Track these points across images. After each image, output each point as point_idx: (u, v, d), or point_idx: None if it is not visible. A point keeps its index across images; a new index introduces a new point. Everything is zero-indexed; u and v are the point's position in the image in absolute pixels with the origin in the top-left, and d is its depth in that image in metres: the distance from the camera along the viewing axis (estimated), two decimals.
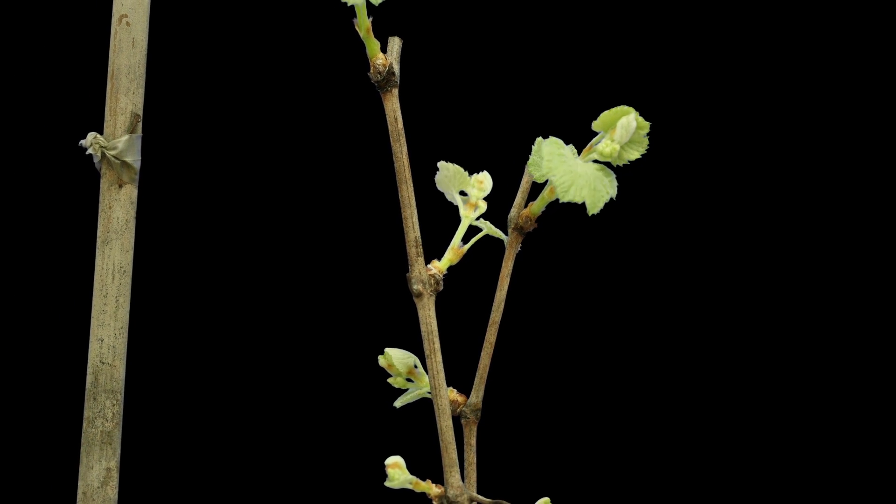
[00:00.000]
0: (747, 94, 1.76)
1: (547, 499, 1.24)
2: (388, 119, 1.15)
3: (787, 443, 1.76)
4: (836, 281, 1.77)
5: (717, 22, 1.74)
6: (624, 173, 1.72)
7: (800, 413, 1.76)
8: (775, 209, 1.77)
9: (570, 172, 1.15)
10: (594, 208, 1.16)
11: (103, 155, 1.30)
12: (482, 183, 1.25)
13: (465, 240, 1.21)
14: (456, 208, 1.21)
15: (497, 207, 1.23)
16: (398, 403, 1.24)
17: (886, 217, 1.75)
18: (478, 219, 1.23)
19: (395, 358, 1.22)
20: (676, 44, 1.72)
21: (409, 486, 1.21)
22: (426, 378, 1.21)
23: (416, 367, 1.23)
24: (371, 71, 1.14)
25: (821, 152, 1.77)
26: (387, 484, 1.21)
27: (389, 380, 1.23)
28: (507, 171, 1.21)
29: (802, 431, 1.76)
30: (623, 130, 1.19)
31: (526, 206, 1.20)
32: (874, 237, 1.76)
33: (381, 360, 1.23)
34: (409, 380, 1.22)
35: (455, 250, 1.19)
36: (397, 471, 1.20)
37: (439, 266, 1.18)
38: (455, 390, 1.21)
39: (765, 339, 1.77)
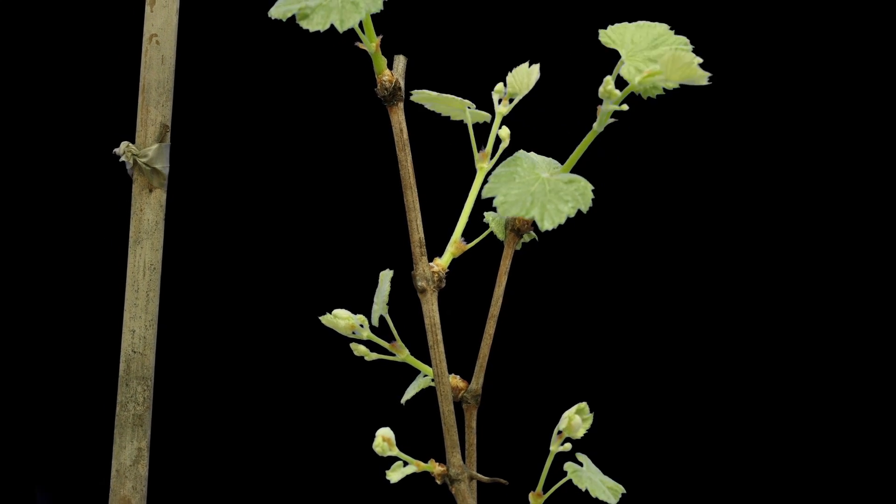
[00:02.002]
0: (747, 92, 1.75)
1: (584, 405, 1.20)
2: (393, 130, 1.14)
3: (785, 441, 1.75)
4: (835, 280, 1.76)
5: (723, 16, 1.74)
6: (621, 168, 1.73)
7: (798, 413, 1.75)
8: (775, 208, 1.76)
9: (522, 190, 1.09)
10: (547, 223, 1.08)
11: (135, 162, 1.30)
12: (507, 96, 1.18)
13: (469, 238, 1.19)
14: (455, 210, 1.20)
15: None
16: (406, 397, 1.23)
17: (886, 217, 1.75)
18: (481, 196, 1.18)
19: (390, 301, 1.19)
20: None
21: (407, 469, 1.17)
22: (405, 350, 1.19)
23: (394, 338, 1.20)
24: (378, 87, 1.14)
25: (820, 152, 1.76)
26: (388, 475, 1.19)
27: (352, 345, 1.19)
28: None
29: (801, 431, 1.75)
30: (680, 69, 1.04)
31: None
32: (874, 237, 1.75)
33: (340, 322, 1.18)
34: (373, 348, 1.19)
35: (456, 244, 1.17)
36: (385, 444, 1.17)
37: (441, 264, 1.16)
38: (458, 377, 1.21)
39: (757, 331, 1.76)
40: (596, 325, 1.72)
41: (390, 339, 1.19)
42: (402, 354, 1.20)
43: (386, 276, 1.21)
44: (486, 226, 1.20)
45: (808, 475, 1.74)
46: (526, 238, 1.22)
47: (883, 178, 1.74)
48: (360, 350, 1.20)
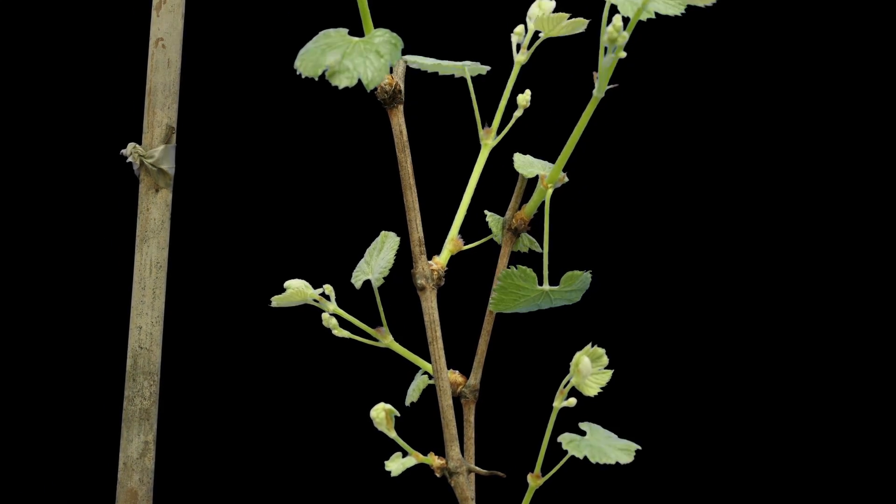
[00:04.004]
0: (748, 93, 1.75)
1: (600, 350, 1.10)
2: (393, 132, 1.14)
3: (782, 440, 1.75)
4: (834, 280, 1.76)
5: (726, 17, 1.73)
6: (617, 169, 1.72)
7: (795, 414, 1.75)
8: (774, 208, 1.75)
9: (530, 304, 1.13)
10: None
11: (142, 163, 1.30)
12: (528, 37, 1.15)
13: (468, 230, 1.18)
14: (454, 210, 1.19)
15: (492, 210, 1.23)
16: (410, 399, 1.22)
17: (886, 217, 1.74)
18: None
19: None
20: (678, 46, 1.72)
21: (406, 461, 1.15)
22: (390, 336, 1.18)
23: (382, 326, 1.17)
24: (378, 90, 1.13)
25: (821, 150, 1.75)
26: (387, 465, 1.17)
27: (324, 315, 1.16)
28: (502, 175, 1.21)
29: (799, 431, 1.75)
30: None
31: (520, 208, 1.20)
32: (874, 237, 1.74)
33: (289, 292, 1.16)
34: (341, 322, 1.17)
35: (453, 241, 1.17)
36: (383, 416, 1.12)
37: (440, 262, 1.16)
38: (457, 372, 1.21)
39: (750, 331, 1.76)
40: (593, 320, 1.72)
41: (374, 323, 1.18)
42: (386, 340, 1.18)
43: (390, 244, 1.19)
44: (484, 221, 1.20)
45: (808, 489, 1.74)
46: (525, 244, 1.21)
47: (882, 171, 1.74)
48: (330, 322, 1.17)
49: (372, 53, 1.05)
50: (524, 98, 1.18)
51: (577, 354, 1.07)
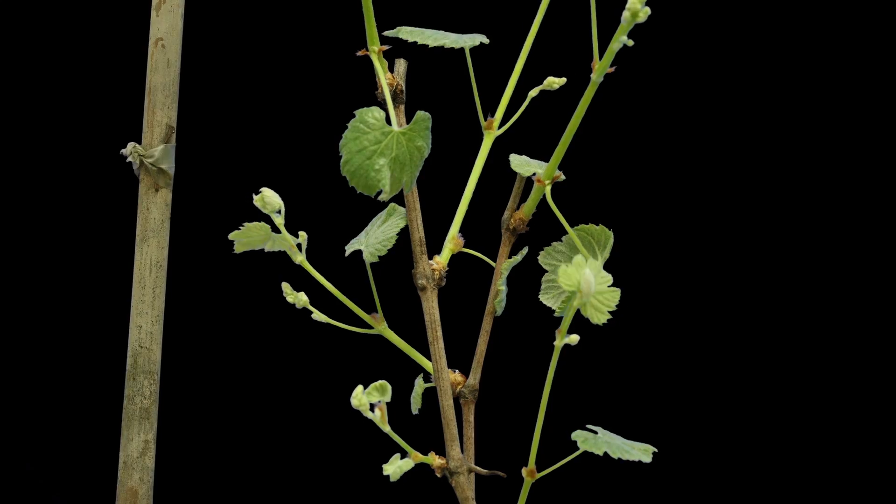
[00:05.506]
0: (751, 93, 1.75)
1: (596, 265, 0.88)
2: None
3: (781, 439, 1.75)
4: (833, 280, 1.76)
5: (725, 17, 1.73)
6: (615, 170, 1.72)
7: (793, 414, 1.75)
8: (774, 208, 1.76)
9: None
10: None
11: (142, 162, 1.30)
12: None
13: (469, 239, 1.18)
14: (450, 210, 1.18)
15: (491, 210, 1.22)
16: (416, 406, 1.21)
17: (886, 217, 1.74)
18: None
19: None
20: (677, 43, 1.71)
21: (404, 464, 1.14)
22: (384, 322, 1.15)
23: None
24: (379, 90, 1.13)
25: (822, 149, 1.76)
26: (385, 469, 1.16)
27: (284, 286, 1.13)
28: (502, 175, 1.21)
29: (797, 431, 1.75)
30: None
31: (518, 208, 1.19)
32: (874, 237, 1.75)
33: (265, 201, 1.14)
34: (327, 311, 1.16)
35: (454, 240, 1.16)
36: (364, 400, 1.04)
37: (441, 261, 1.16)
38: (457, 371, 1.20)
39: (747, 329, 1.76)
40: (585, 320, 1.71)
41: (370, 309, 1.18)
42: (380, 326, 1.17)
43: (396, 220, 1.18)
44: (485, 220, 1.20)
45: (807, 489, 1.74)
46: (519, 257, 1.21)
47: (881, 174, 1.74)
48: (300, 300, 1.16)
49: (415, 151, 1.06)
50: (556, 81, 1.16)
51: (571, 268, 0.84)
